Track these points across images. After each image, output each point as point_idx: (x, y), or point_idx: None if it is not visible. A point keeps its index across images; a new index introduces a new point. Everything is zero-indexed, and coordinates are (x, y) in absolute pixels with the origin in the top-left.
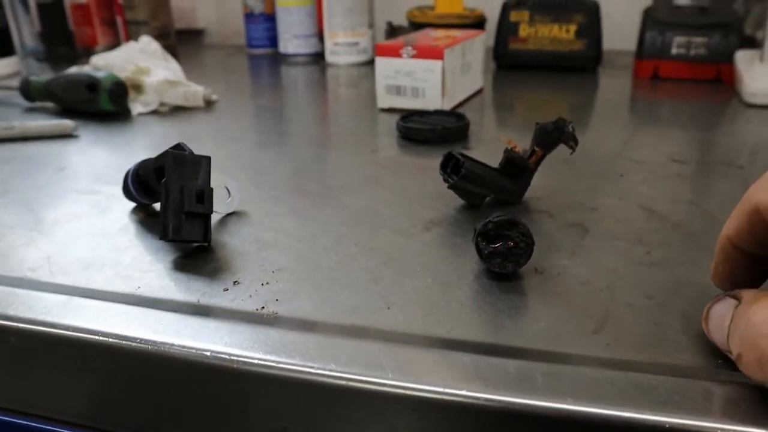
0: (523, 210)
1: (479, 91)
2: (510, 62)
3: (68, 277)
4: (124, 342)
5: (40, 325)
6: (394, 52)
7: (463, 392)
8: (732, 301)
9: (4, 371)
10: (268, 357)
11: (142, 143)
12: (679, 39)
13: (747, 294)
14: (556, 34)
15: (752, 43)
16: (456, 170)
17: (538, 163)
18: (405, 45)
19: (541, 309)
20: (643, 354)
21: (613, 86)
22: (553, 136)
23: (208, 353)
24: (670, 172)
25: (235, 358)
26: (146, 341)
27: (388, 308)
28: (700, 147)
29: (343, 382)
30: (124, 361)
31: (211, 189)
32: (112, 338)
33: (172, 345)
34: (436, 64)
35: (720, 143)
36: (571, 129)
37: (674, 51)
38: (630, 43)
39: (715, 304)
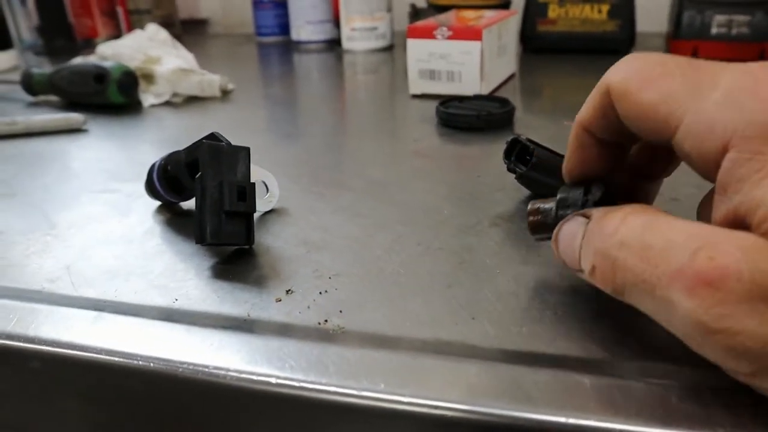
0: None
1: (512, 76)
2: (539, 45)
3: (93, 289)
4: (168, 367)
5: (68, 347)
6: (428, 34)
7: (594, 423)
8: (581, 220)
9: (25, 402)
10: (346, 383)
11: (157, 137)
12: (719, 18)
13: (596, 211)
14: (587, 15)
15: None
16: (521, 158)
17: None
18: (439, 26)
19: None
20: None
21: None
22: None
23: (273, 380)
24: None
25: (306, 385)
26: (196, 366)
27: (473, 318)
28: None
29: (441, 412)
30: (170, 390)
31: (253, 184)
32: (154, 362)
33: (228, 370)
34: (474, 46)
35: None
36: None
37: (714, 30)
38: (657, 25)
39: (563, 225)
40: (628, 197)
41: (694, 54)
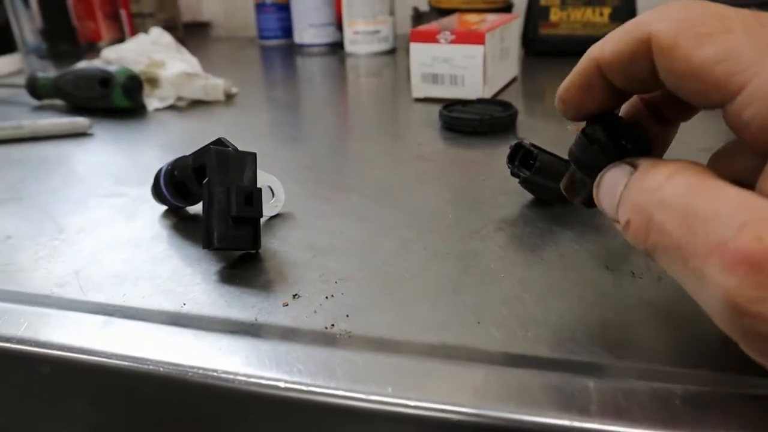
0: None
1: (514, 80)
2: (540, 48)
3: (102, 294)
4: (178, 371)
5: (78, 351)
6: (431, 38)
7: (599, 426)
8: (628, 168)
9: (35, 406)
10: (354, 387)
11: (161, 141)
12: None
13: (644, 161)
14: (589, 18)
15: None
16: (525, 163)
17: None
18: (442, 30)
19: (654, 321)
20: None
21: None
22: None
23: (282, 384)
24: None
25: (314, 389)
26: (206, 370)
27: (479, 323)
28: None
29: (449, 416)
30: (179, 394)
31: (260, 189)
32: (163, 367)
33: (237, 374)
34: (477, 50)
35: None
36: None
37: None
38: None
39: (608, 171)
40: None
41: None
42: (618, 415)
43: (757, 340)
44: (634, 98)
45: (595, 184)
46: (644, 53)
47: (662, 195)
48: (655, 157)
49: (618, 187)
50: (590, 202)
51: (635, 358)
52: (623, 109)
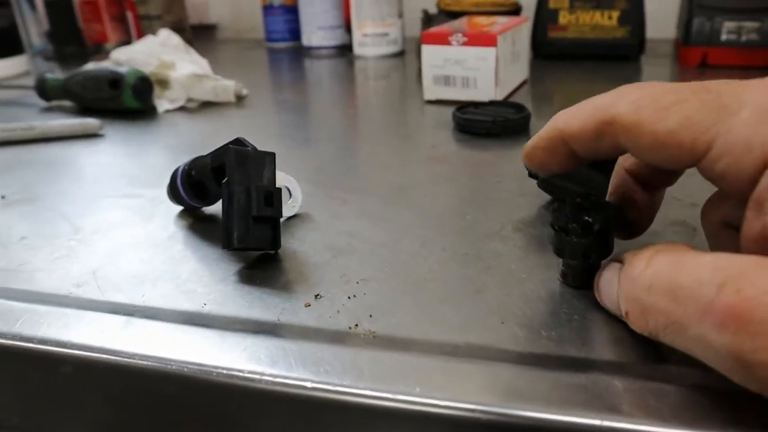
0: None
1: (524, 82)
2: (549, 51)
3: (121, 294)
4: (202, 371)
5: (101, 351)
6: (443, 40)
7: (629, 425)
8: (617, 265)
9: (58, 406)
10: (381, 387)
11: (172, 142)
12: (729, 24)
13: (628, 254)
14: (597, 21)
15: None
16: None
17: None
18: (454, 32)
19: None
20: None
21: (659, 75)
22: None
23: (308, 384)
24: None
25: (342, 388)
26: (230, 370)
27: (502, 323)
28: None
29: (478, 415)
30: (204, 395)
31: (280, 189)
32: (188, 367)
33: (263, 375)
34: (489, 52)
35: None
36: None
37: (724, 37)
38: (667, 31)
39: (602, 273)
40: (633, 209)
41: (704, 60)
42: (648, 414)
43: None
44: (621, 171)
45: (595, 289)
46: (609, 133)
47: (647, 279)
48: (642, 222)
49: (613, 286)
50: (585, 285)
51: (662, 358)
52: (612, 184)
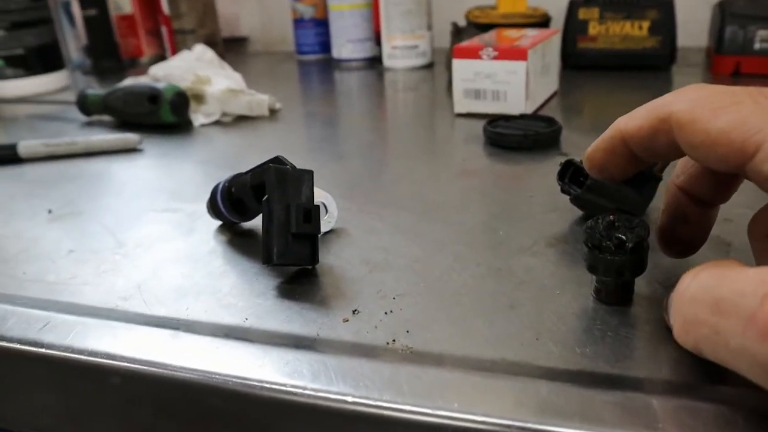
0: (650, 222)
1: (554, 94)
2: (579, 62)
3: (165, 308)
4: (246, 385)
5: (149, 365)
6: (474, 54)
7: None
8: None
9: (108, 417)
10: (421, 402)
11: (208, 156)
12: (762, 33)
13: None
14: (628, 32)
15: None
16: (575, 180)
17: (663, 170)
18: (484, 46)
19: None
20: None
21: (690, 84)
22: None
23: (349, 398)
24: None
25: (382, 404)
26: (273, 384)
27: (537, 339)
28: None
29: (515, 431)
30: (248, 408)
31: (318, 206)
32: (232, 381)
33: (305, 389)
34: (519, 66)
35: None
36: None
37: (757, 45)
38: (698, 40)
39: (669, 296)
40: (685, 225)
41: (737, 69)
42: None
43: None
44: (673, 188)
45: (663, 310)
46: (664, 130)
47: (691, 292)
48: (695, 240)
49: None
50: (618, 301)
51: (696, 376)
52: (664, 201)
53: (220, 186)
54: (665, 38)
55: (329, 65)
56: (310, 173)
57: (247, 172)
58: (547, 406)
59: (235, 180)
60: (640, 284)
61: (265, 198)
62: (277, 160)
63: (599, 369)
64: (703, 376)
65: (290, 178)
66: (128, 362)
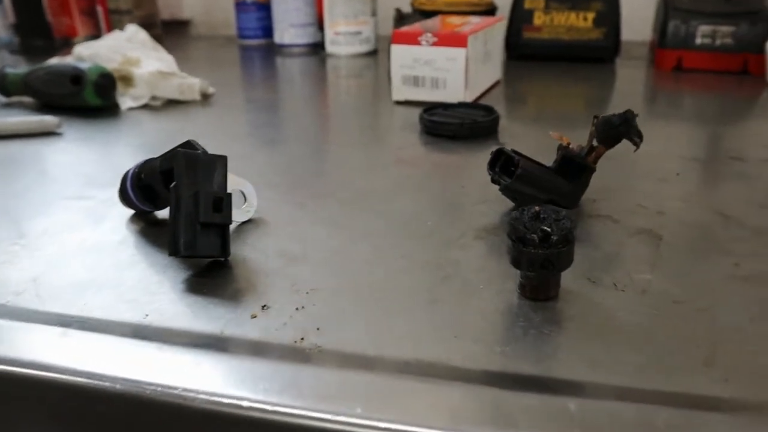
0: (583, 214)
1: (497, 83)
2: (523, 52)
3: (60, 303)
4: (135, 388)
5: (30, 366)
6: (413, 40)
7: None
8: None
9: None
10: (320, 407)
11: (135, 141)
12: (704, 28)
13: None
14: (573, 23)
15: None
16: (506, 170)
17: (597, 161)
18: (424, 32)
19: (636, 336)
20: None
21: (633, 77)
22: (620, 130)
23: (245, 403)
24: (732, 172)
25: (279, 408)
26: (164, 387)
27: (456, 337)
28: (750, 142)
29: None
30: (136, 413)
31: (230, 194)
32: (120, 384)
33: (198, 393)
34: (459, 53)
35: None
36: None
37: (699, 41)
38: (641, 34)
39: None
40: None
41: (679, 64)
42: None
43: None
44: None
45: None
46: None
47: None
48: None
49: None
50: (543, 297)
51: (618, 377)
52: None
53: (131, 172)
54: (609, 30)
55: (272, 50)
56: (224, 159)
57: (158, 157)
58: (457, 411)
59: (145, 165)
60: (567, 278)
61: (172, 185)
62: (188, 145)
63: (518, 370)
64: (624, 376)
65: (201, 164)
66: (7, 365)
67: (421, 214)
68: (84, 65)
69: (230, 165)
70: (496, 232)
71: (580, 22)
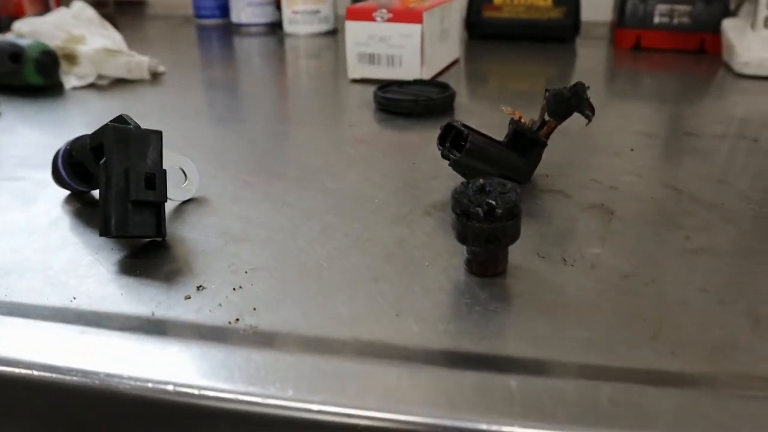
0: (535, 190)
1: (455, 62)
2: (483, 31)
3: None
4: (56, 375)
5: None
6: (367, 16)
7: (519, 430)
8: None
9: None
10: (250, 389)
11: (77, 121)
12: (661, 7)
13: None
14: (533, 2)
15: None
16: (456, 144)
17: (549, 135)
18: (379, 8)
19: (583, 311)
20: (716, 364)
21: (593, 57)
22: (571, 103)
23: (170, 387)
24: (686, 147)
25: (206, 392)
26: (87, 373)
27: (397, 315)
28: (706, 119)
29: (355, 421)
30: (60, 402)
31: (164, 171)
32: (38, 370)
33: (122, 378)
34: (414, 29)
35: (725, 115)
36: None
37: (657, 20)
38: (602, 14)
39: None
40: None
41: (637, 43)
42: (541, 417)
43: None
44: None
45: None
46: None
47: None
48: None
49: None
50: (490, 273)
51: (563, 353)
52: None
53: (62, 150)
54: (569, 9)
55: (229, 30)
56: (158, 134)
57: (89, 134)
58: (392, 392)
59: (76, 142)
60: (516, 254)
61: (102, 161)
62: (120, 119)
63: (460, 348)
64: (569, 352)
65: (133, 139)
66: None
67: (371, 191)
68: (24, 42)
69: (176, 143)
70: (444, 209)
71: (540, 2)
